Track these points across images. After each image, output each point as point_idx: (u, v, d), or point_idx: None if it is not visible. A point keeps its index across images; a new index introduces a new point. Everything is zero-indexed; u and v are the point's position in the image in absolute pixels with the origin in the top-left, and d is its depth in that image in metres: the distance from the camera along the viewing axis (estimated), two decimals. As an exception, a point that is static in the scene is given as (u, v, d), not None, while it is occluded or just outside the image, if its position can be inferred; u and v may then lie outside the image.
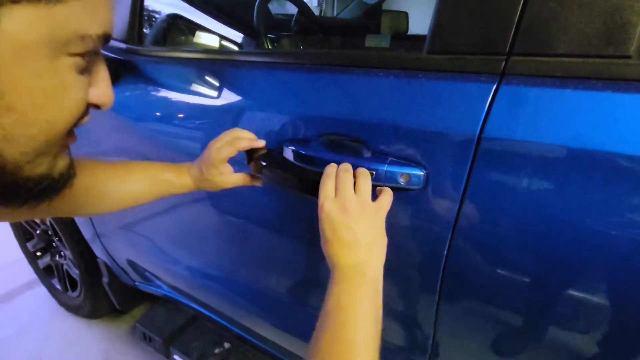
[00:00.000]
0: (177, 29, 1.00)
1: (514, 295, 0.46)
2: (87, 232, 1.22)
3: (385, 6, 1.64)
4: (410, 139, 0.48)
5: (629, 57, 0.37)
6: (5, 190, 0.29)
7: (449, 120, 0.45)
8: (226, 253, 0.86)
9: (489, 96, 0.43)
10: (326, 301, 0.42)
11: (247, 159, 0.59)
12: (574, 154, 0.39)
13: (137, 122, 0.85)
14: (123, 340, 1.42)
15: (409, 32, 1.67)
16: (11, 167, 0.27)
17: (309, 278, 0.73)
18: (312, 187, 0.49)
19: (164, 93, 0.81)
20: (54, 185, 0.31)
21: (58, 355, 1.35)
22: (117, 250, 1.17)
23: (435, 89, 0.47)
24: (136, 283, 1.25)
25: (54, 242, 1.45)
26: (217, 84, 0.72)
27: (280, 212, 0.69)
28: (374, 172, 0.49)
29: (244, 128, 0.59)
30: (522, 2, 0.40)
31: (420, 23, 1.73)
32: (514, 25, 0.41)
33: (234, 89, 0.69)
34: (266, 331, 0.90)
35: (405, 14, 1.66)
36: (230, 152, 0.55)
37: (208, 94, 0.73)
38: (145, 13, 0.93)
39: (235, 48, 1.22)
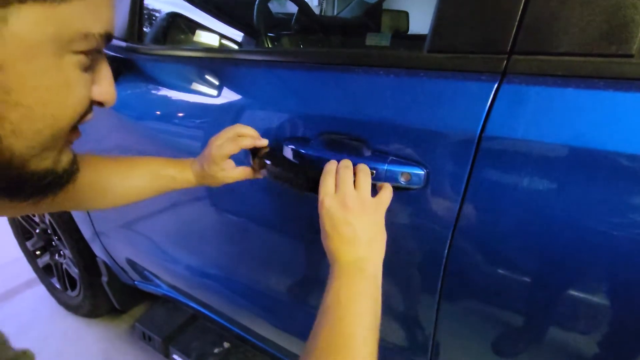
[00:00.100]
0: (177, 27, 1.00)
1: (515, 295, 0.46)
2: (86, 231, 1.21)
3: (385, 5, 1.63)
4: (410, 138, 0.48)
5: (631, 56, 0.37)
6: (11, 185, 0.30)
7: (450, 119, 0.45)
8: (226, 252, 0.86)
9: (490, 95, 0.42)
10: (325, 296, 0.42)
11: (250, 157, 0.59)
12: (576, 154, 0.38)
13: (136, 121, 0.85)
14: (122, 340, 1.42)
15: (410, 32, 1.67)
16: (18, 161, 0.28)
17: (308, 277, 0.73)
18: (315, 185, 0.49)
19: (164, 91, 0.80)
20: (58, 180, 0.32)
21: (57, 355, 1.35)
22: (116, 250, 1.17)
23: (436, 87, 0.47)
24: (136, 282, 1.25)
25: (54, 241, 1.44)
26: (217, 82, 0.71)
27: (279, 212, 0.69)
28: (375, 171, 0.48)
29: (245, 126, 0.58)
30: (523, 0, 0.40)
31: (420, 22, 1.73)
32: (516, 24, 0.41)
33: (234, 87, 0.69)
34: (266, 331, 0.90)
35: (406, 14, 1.65)
36: (233, 149, 0.55)
37: (208, 93, 0.73)
38: (145, 11, 0.92)
39: (236, 47, 1.22)
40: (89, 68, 0.30)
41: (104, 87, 0.32)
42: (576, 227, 0.39)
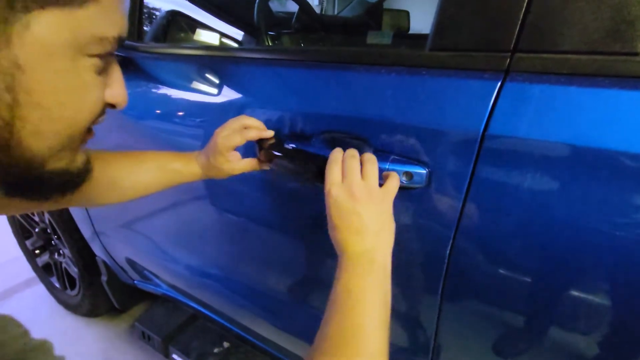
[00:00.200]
0: (177, 25, 0.99)
1: (518, 295, 0.46)
2: (86, 231, 1.21)
3: (386, 5, 1.63)
4: (412, 136, 0.48)
5: (636, 54, 0.36)
6: (31, 185, 0.31)
7: (452, 118, 0.45)
8: (226, 252, 0.86)
9: (493, 94, 0.42)
10: (335, 288, 0.41)
11: (257, 148, 0.59)
12: (580, 152, 0.38)
13: (136, 119, 0.84)
14: (122, 339, 1.42)
15: (410, 31, 1.67)
16: (37, 162, 0.29)
17: (308, 277, 0.72)
18: (321, 174, 0.48)
19: (163, 90, 0.80)
20: (74, 179, 0.33)
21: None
22: (116, 249, 1.17)
23: (438, 86, 0.46)
24: (135, 282, 1.25)
25: (53, 240, 1.44)
26: (217, 81, 0.71)
27: (279, 211, 0.69)
28: (376, 170, 0.48)
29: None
30: (527, -3, 0.40)
31: (421, 22, 1.73)
32: (519, 21, 0.40)
33: (234, 86, 0.68)
34: (266, 331, 0.90)
35: (407, 13, 1.65)
36: (239, 141, 0.55)
37: (208, 91, 0.72)
38: (145, 10, 0.92)
39: (236, 45, 1.21)
40: (103, 71, 0.31)
41: (116, 89, 0.34)
42: (580, 227, 0.39)
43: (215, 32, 1.11)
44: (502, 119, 0.41)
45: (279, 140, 0.58)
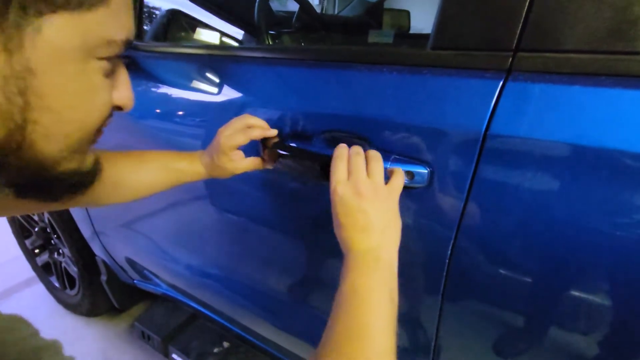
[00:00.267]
0: (178, 24, 0.99)
1: (519, 296, 0.46)
2: (85, 230, 1.21)
3: (386, 4, 1.63)
4: (414, 136, 0.47)
5: (638, 53, 0.36)
6: (42, 186, 0.31)
7: (454, 117, 0.44)
8: (226, 251, 0.86)
9: (495, 93, 0.42)
10: (340, 287, 0.41)
11: (261, 147, 0.59)
12: (582, 152, 0.38)
13: (136, 118, 0.84)
14: (122, 339, 1.41)
15: (411, 31, 1.66)
16: (49, 164, 0.29)
17: (309, 277, 0.72)
18: (326, 172, 0.48)
19: (164, 89, 0.80)
20: (84, 180, 0.34)
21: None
22: (115, 249, 1.16)
23: (439, 85, 0.46)
24: (135, 281, 1.25)
25: (53, 239, 1.44)
26: (217, 80, 0.71)
27: (279, 211, 0.68)
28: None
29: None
30: (529, -4, 0.40)
31: (422, 22, 1.72)
32: (521, 20, 0.40)
33: (235, 85, 0.68)
34: (266, 331, 0.90)
35: (407, 13, 1.65)
36: (242, 140, 0.55)
37: (209, 90, 0.72)
38: (145, 8, 0.92)
39: (236, 44, 1.21)
40: (111, 73, 0.31)
41: (123, 91, 0.34)
42: (583, 227, 0.39)
43: (215, 31, 1.11)
44: (504, 119, 0.41)
45: (282, 139, 0.58)
